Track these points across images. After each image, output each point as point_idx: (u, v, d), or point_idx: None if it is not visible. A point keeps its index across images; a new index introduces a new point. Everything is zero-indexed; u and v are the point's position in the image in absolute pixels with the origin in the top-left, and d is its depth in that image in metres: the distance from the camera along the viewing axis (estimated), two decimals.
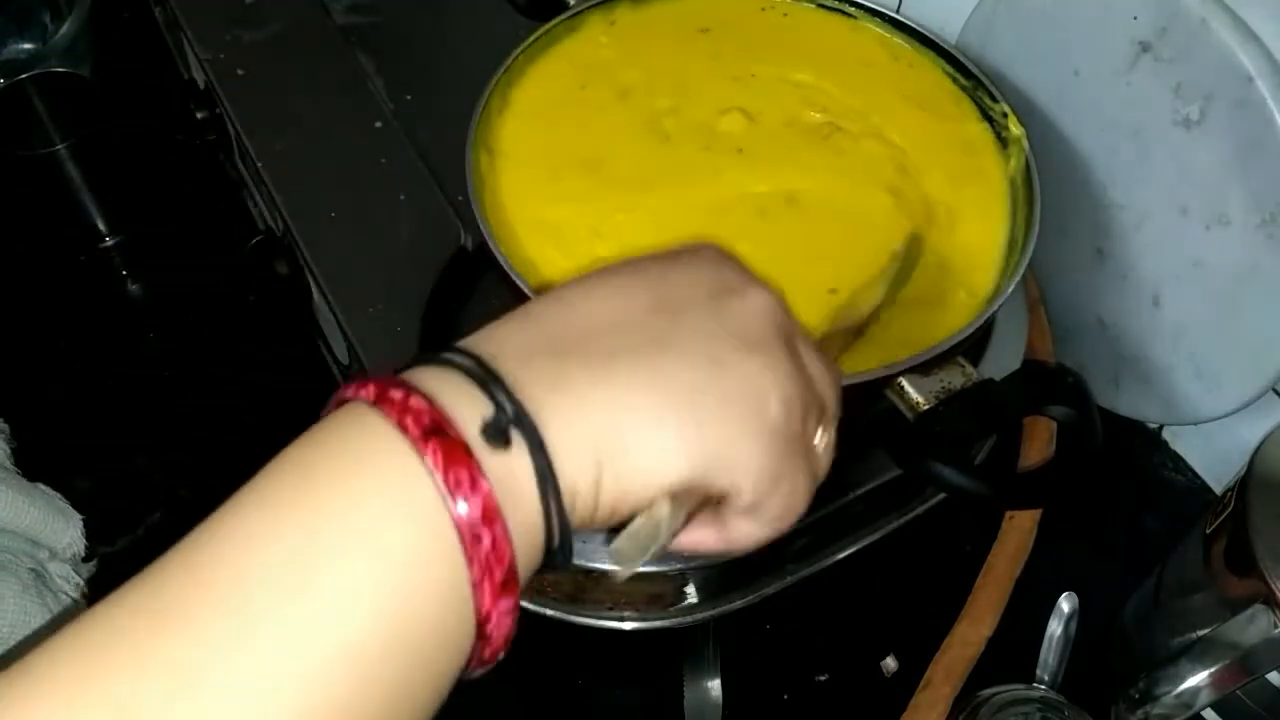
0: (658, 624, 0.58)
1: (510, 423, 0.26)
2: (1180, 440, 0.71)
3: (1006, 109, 0.61)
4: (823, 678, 0.62)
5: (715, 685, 0.60)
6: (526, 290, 0.50)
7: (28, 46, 0.92)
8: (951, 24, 0.70)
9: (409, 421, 0.26)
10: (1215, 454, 0.69)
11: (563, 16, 0.63)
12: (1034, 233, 0.55)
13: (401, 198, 0.65)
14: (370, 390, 0.27)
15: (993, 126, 0.62)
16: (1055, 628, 0.60)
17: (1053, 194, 0.59)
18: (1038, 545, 0.62)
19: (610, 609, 0.58)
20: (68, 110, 0.79)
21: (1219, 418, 0.62)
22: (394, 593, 0.25)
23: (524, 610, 0.57)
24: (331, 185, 0.66)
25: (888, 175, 0.60)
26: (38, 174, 0.77)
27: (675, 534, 0.30)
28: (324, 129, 0.69)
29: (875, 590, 0.65)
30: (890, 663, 0.62)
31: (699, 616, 0.58)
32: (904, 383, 0.49)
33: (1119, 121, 0.62)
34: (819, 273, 0.55)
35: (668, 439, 0.28)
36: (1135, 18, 0.58)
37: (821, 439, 0.33)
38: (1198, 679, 0.48)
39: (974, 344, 0.62)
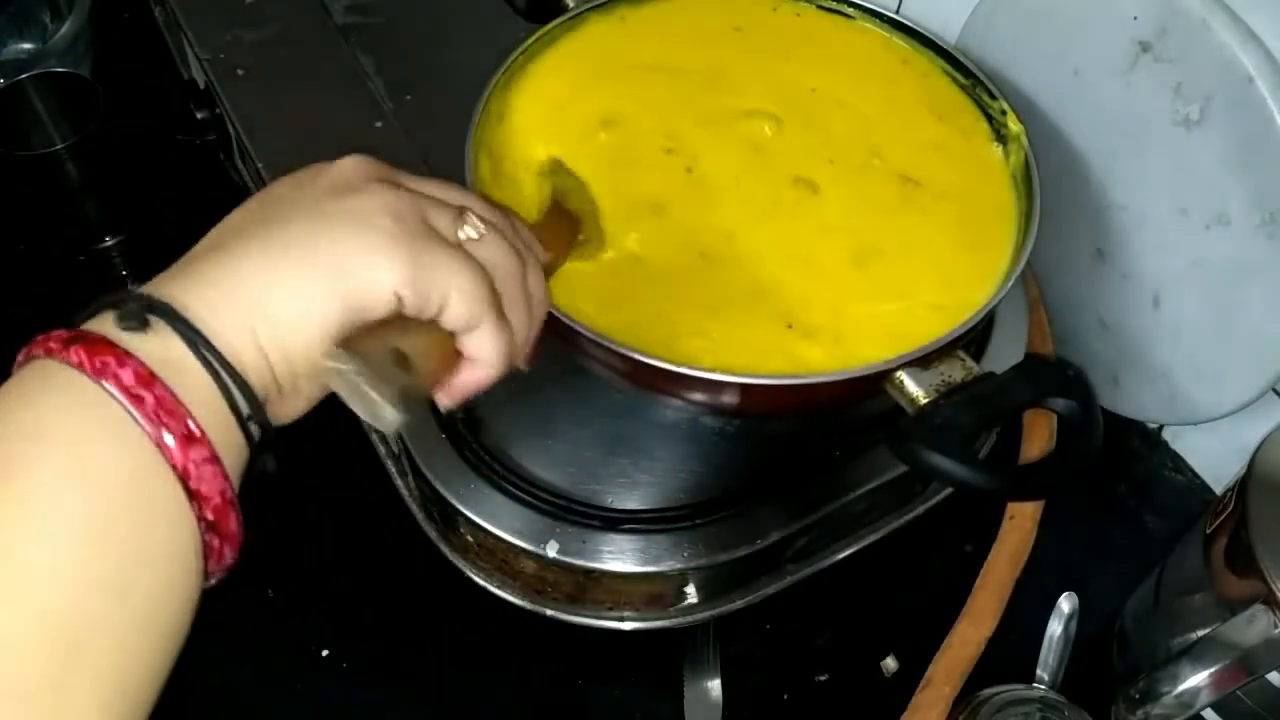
0: (658, 624, 0.58)
1: (144, 309, 0.30)
2: (1180, 440, 0.71)
3: (1005, 107, 0.61)
4: (823, 678, 0.62)
5: (715, 685, 0.60)
6: None
7: (28, 46, 0.92)
8: (951, 24, 0.70)
9: (51, 345, 0.29)
10: (1215, 454, 0.69)
11: (562, 18, 0.63)
12: (1033, 232, 0.55)
13: None
14: (23, 351, 0.30)
15: (992, 126, 0.62)
16: (1055, 628, 0.60)
17: (1053, 194, 0.59)
18: (1038, 545, 0.62)
19: (610, 609, 0.58)
20: (68, 110, 0.79)
21: (1219, 418, 0.62)
22: (85, 478, 0.27)
23: (524, 610, 0.57)
24: None
25: (886, 169, 0.60)
26: (38, 174, 0.77)
27: (399, 368, 0.33)
28: (324, 129, 0.69)
29: (875, 590, 0.65)
30: (890, 663, 0.62)
31: (699, 616, 0.58)
32: (904, 377, 0.49)
33: (1119, 121, 0.62)
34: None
35: (299, 290, 0.32)
36: (1135, 18, 0.58)
37: (468, 231, 0.36)
38: (1198, 679, 0.48)
39: (974, 344, 0.62)
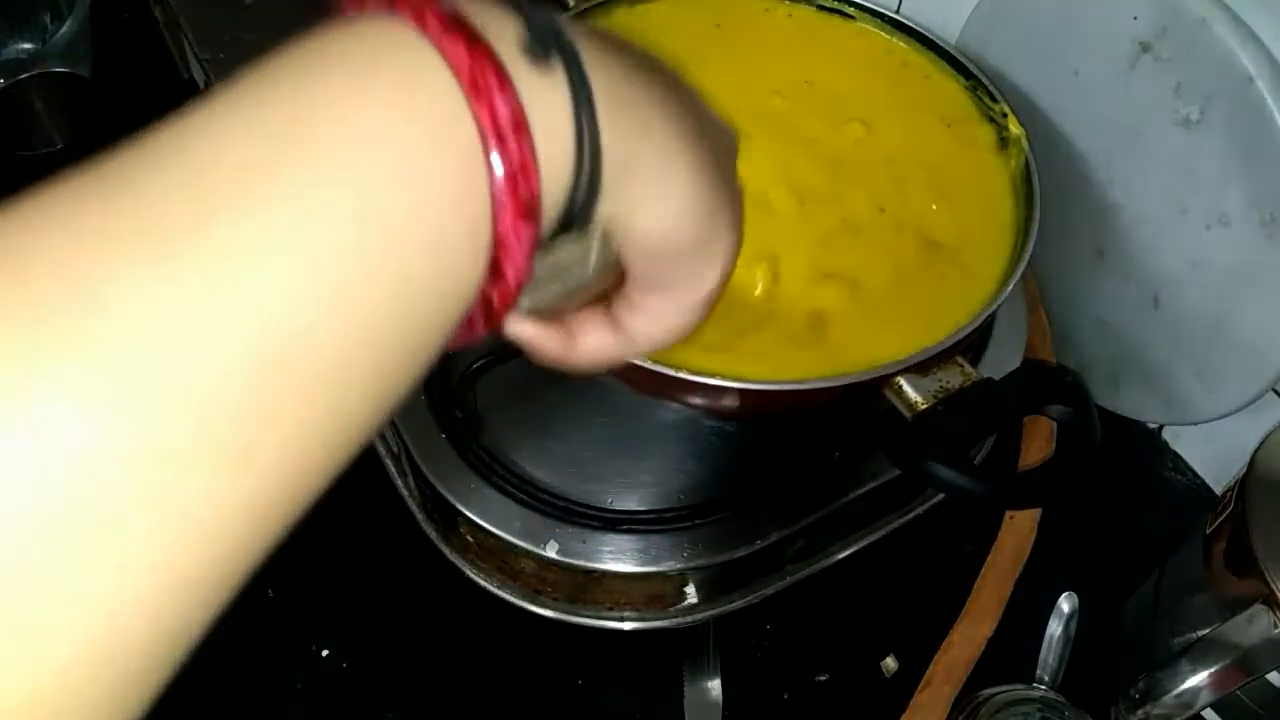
0: (658, 624, 0.58)
1: (550, 38, 0.24)
2: (1180, 440, 0.71)
3: (1006, 109, 0.61)
4: (823, 678, 0.62)
5: (715, 685, 0.60)
6: None
7: (28, 46, 0.92)
8: (951, 24, 0.70)
9: (429, 17, 0.23)
10: (1215, 454, 0.69)
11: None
12: (1034, 233, 0.55)
13: None
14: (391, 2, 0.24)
15: (993, 126, 0.62)
16: (1055, 628, 0.60)
17: (1053, 194, 0.59)
18: (1038, 545, 0.62)
19: (610, 609, 0.58)
20: (68, 110, 0.79)
21: (1219, 418, 0.62)
22: (398, 199, 0.22)
23: (524, 610, 0.57)
24: None
25: (886, 172, 0.60)
26: (38, 174, 0.77)
27: (586, 280, 0.29)
28: None
29: (875, 590, 0.65)
30: (890, 663, 0.62)
31: (699, 616, 0.58)
32: (902, 382, 0.49)
33: (1119, 121, 0.62)
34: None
35: (684, 186, 0.28)
36: (1135, 18, 0.58)
37: None
38: (1198, 679, 0.48)
39: (974, 344, 0.62)
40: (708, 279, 0.31)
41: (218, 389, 0.20)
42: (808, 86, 0.64)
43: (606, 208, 0.26)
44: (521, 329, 0.31)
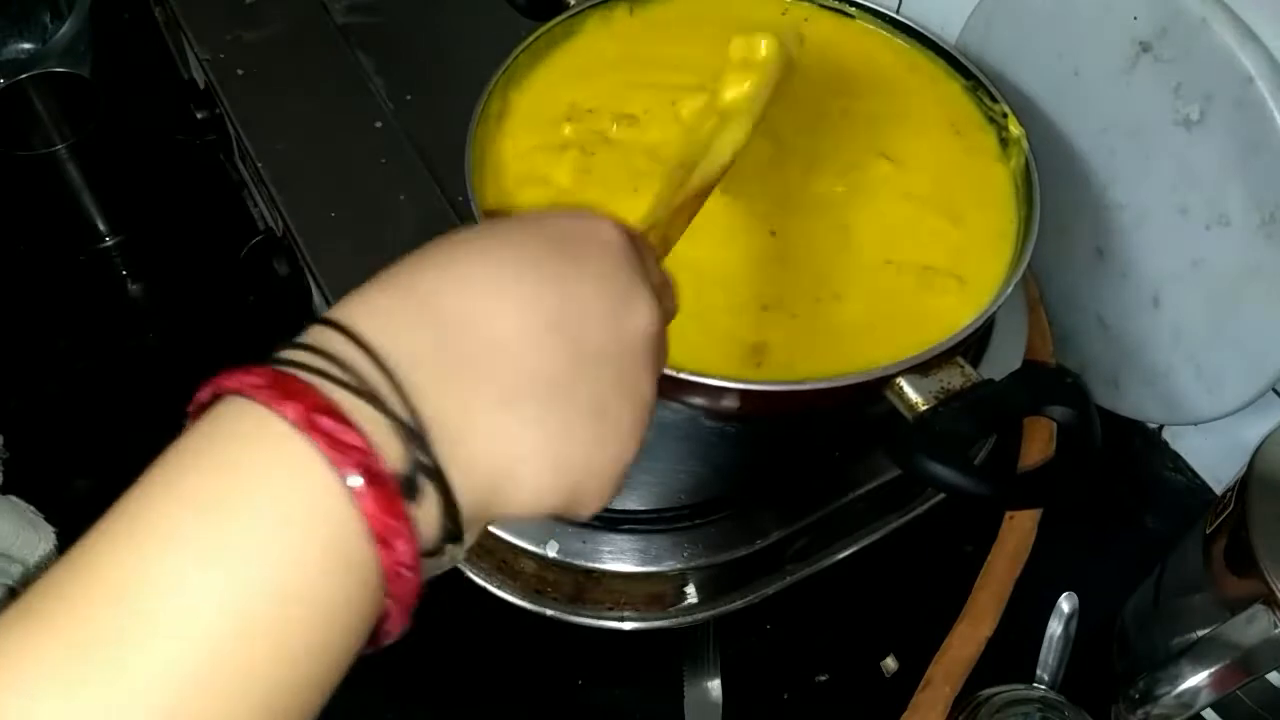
0: (658, 624, 0.58)
1: (420, 475, 0.27)
2: (1180, 440, 0.71)
3: (1006, 109, 0.61)
4: (823, 678, 0.62)
5: (715, 685, 0.60)
6: None
7: (28, 46, 0.92)
8: (951, 24, 0.70)
9: (349, 461, 0.26)
10: (1215, 454, 0.69)
11: (562, 16, 0.63)
12: (1033, 233, 0.55)
13: (401, 198, 0.65)
14: (254, 378, 0.27)
15: (993, 128, 0.62)
16: (1055, 628, 0.60)
17: (1053, 194, 0.59)
18: (1038, 545, 0.62)
19: (610, 609, 0.58)
20: (68, 110, 0.79)
21: (1219, 418, 0.62)
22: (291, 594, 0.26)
23: (524, 610, 0.57)
24: (331, 185, 0.66)
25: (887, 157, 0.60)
26: (38, 174, 0.77)
27: None
28: (324, 129, 0.70)
29: (875, 590, 0.65)
30: (890, 663, 0.62)
31: (699, 616, 0.58)
32: (903, 383, 0.49)
33: (1119, 121, 0.62)
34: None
35: (544, 484, 0.30)
36: (1135, 18, 0.58)
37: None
38: (1198, 679, 0.48)
39: (974, 344, 0.62)
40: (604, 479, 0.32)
41: None
42: (818, 87, 0.63)
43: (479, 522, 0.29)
44: None
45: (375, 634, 0.30)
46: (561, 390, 0.30)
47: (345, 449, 0.26)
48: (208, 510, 0.25)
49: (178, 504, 0.25)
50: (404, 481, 0.27)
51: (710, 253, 0.55)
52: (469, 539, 0.30)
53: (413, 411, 0.27)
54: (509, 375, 0.29)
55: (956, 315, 0.53)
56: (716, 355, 0.52)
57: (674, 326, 0.47)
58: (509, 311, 0.29)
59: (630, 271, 0.33)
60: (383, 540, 0.26)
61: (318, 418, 0.26)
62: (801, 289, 0.55)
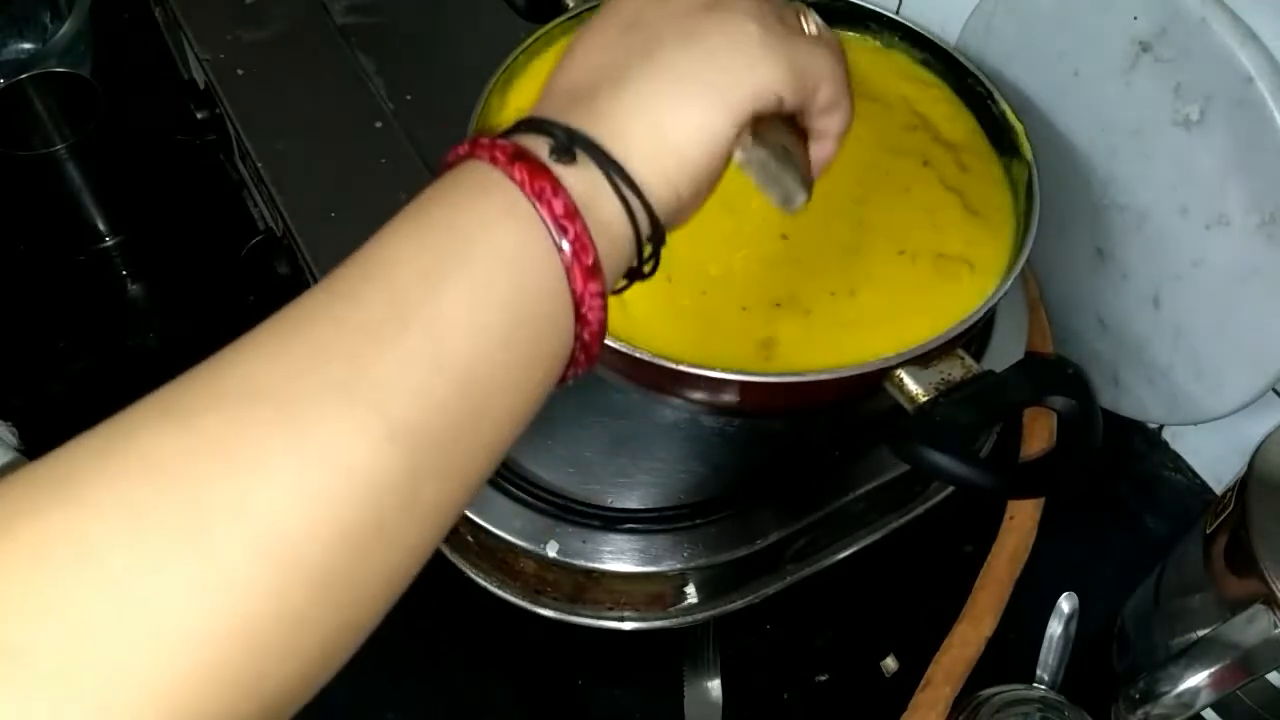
0: (658, 624, 0.58)
1: (569, 141, 0.32)
2: (1180, 440, 0.71)
3: (1006, 109, 0.61)
4: (823, 678, 0.62)
5: (715, 685, 0.60)
6: None
7: (28, 46, 0.92)
8: (951, 24, 0.70)
9: (497, 155, 0.32)
10: (1215, 454, 0.69)
11: (562, 18, 0.63)
12: (1033, 232, 0.55)
13: (402, 197, 0.65)
14: (465, 147, 0.33)
15: (994, 127, 0.62)
16: (1055, 628, 0.60)
17: (1052, 194, 0.59)
18: (1038, 545, 0.62)
19: (610, 609, 0.58)
20: (68, 110, 0.79)
21: (1219, 418, 0.62)
22: (509, 278, 0.31)
23: (524, 610, 0.57)
24: (331, 185, 0.67)
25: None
26: (38, 174, 0.77)
27: (790, 158, 0.37)
28: (324, 129, 0.70)
29: (875, 590, 0.65)
30: (890, 663, 0.62)
31: (699, 616, 0.58)
32: (903, 375, 0.49)
33: (1119, 121, 0.62)
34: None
35: (694, 113, 0.34)
36: (1135, 18, 0.58)
37: (811, 23, 0.39)
38: (1198, 679, 0.48)
39: (974, 345, 0.62)
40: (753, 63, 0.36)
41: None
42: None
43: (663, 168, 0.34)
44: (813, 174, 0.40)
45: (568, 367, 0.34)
46: (648, 54, 0.35)
47: (522, 159, 0.32)
48: (453, 241, 0.31)
49: (429, 231, 0.32)
50: (554, 151, 0.32)
51: (717, 256, 0.55)
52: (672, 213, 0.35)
53: (540, 121, 0.33)
54: (609, 75, 0.35)
55: (969, 302, 0.53)
56: (724, 351, 0.52)
57: (681, 326, 0.48)
58: (591, 51, 0.36)
59: None
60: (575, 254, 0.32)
61: (524, 166, 0.32)
62: (814, 285, 0.55)
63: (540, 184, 0.31)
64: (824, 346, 0.52)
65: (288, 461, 0.27)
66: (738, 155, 0.35)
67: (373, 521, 0.28)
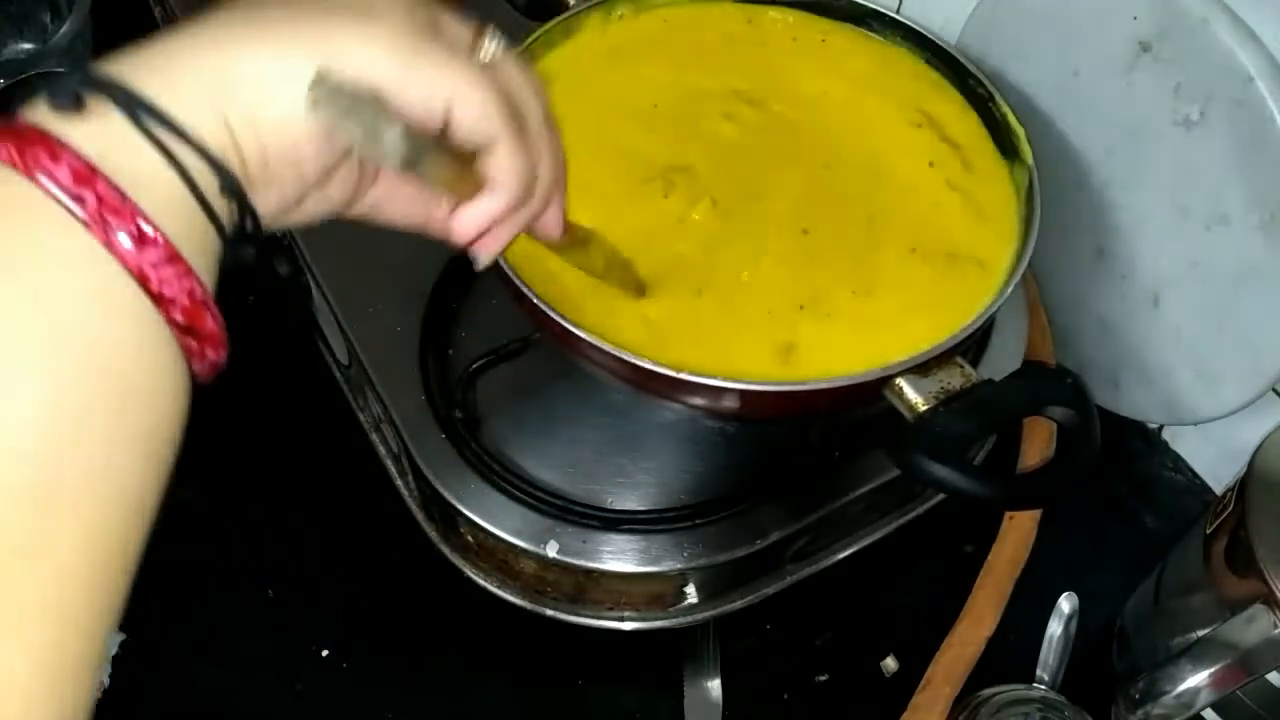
0: (658, 624, 0.58)
1: (78, 86, 0.26)
2: (1180, 440, 0.71)
3: (1006, 109, 0.61)
4: (823, 678, 0.62)
5: (715, 685, 0.60)
6: (524, 289, 0.50)
7: (28, 46, 0.91)
8: (951, 24, 0.70)
9: None
10: (1215, 454, 0.69)
11: (562, 17, 0.63)
12: (1034, 233, 0.55)
13: None
14: None
15: (994, 127, 0.62)
16: (1055, 628, 0.60)
17: (1053, 194, 0.59)
18: (1038, 545, 0.62)
19: (610, 609, 0.58)
20: None
21: (1219, 418, 0.62)
22: (35, 300, 0.24)
23: (524, 610, 0.57)
24: None
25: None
26: None
27: (376, 103, 0.29)
28: None
29: (875, 590, 0.65)
30: (890, 663, 0.62)
31: (699, 616, 0.58)
32: (903, 384, 0.49)
33: (1119, 121, 0.62)
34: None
35: (275, 59, 0.28)
36: (1135, 18, 0.58)
37: (489, 48, 0.34)
38: (1198, 679, 0.48)
39: (974, 345, 0.62)
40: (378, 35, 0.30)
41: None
42: (816, 92, 0.63)
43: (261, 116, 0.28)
44: (463, 225, 0.34)
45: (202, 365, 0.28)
46: (243, 7, 0.29)
47: (7, 131, 0.25)
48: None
49: None
50: (53, 100, 0.25)
51: (747, 259, 0.56)
52: (260, 170, 0.28)
53: (59, 71, 0.27)
54: (189, 19, 0.29)
55: (979, 301, 0.53)
56: (744, 356, 0.52)
57: (703, 335, 0.46)
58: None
59: None
60: (111, 223, 0.25)
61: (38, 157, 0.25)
62: (836, 284, 0.55)
63: (34, 151, 0.25)
64: (842, 350, 0.52)
65: None
66: (307, 96, 0.28)
67: None
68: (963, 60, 0.63)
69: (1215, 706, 0.53)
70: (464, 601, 0.59)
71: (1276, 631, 0.48)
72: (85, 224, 0.25)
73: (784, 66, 0.65)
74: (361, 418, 0.64)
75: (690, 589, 0.58)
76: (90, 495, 0.24)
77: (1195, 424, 0.66)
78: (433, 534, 0.60)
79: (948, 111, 0.63)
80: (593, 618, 0.58)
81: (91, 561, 0.24)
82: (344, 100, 0.28)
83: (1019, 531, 0.62)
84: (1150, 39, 0.58)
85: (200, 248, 0.27)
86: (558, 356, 0.54)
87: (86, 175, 0.25)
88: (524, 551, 0.55)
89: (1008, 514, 0.62)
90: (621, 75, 0.63)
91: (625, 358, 0.49)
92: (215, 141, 0.27)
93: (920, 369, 0.49)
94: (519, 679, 0.62)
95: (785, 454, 0.59)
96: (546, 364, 0.58)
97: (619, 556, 0.55)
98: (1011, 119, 0.60)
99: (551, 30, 0.63)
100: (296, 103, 0.28)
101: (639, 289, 0.53)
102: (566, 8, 0.65)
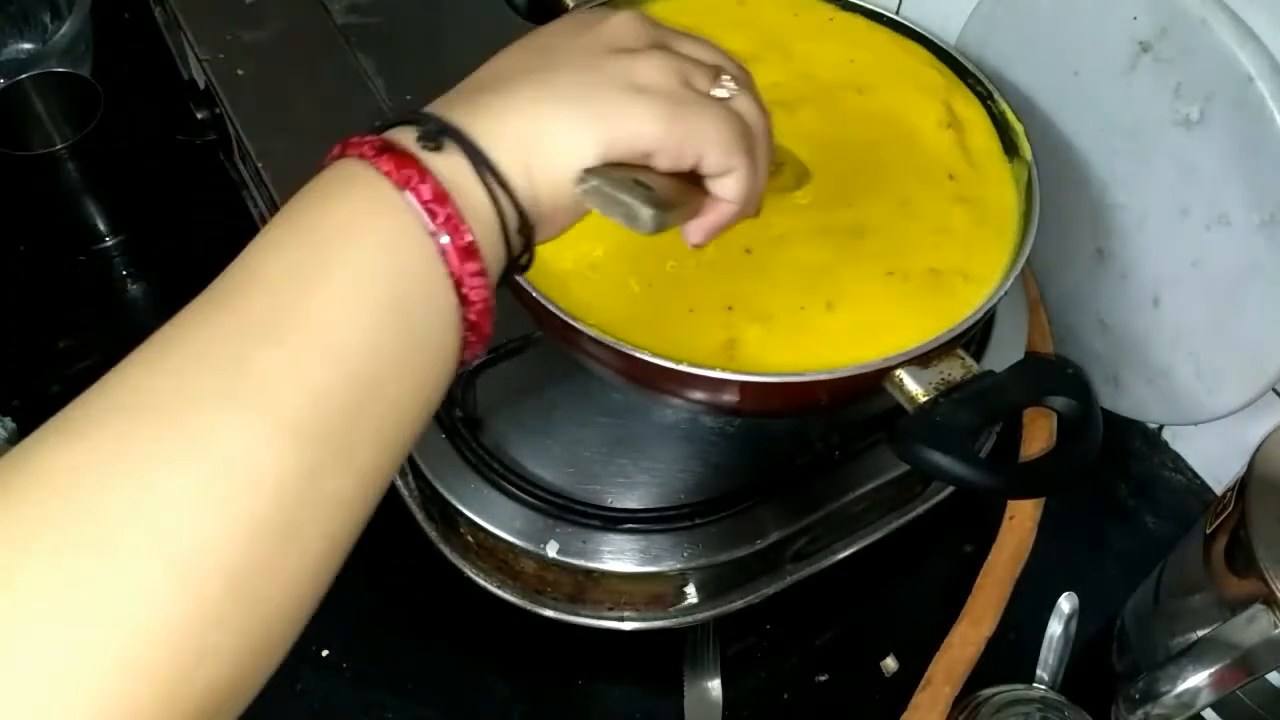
0: (658, 624, 0.58)
1: (438, 132, 0.34)
2: (1180, 440, 0.71)
3: (1006, 109, 0.61)
4: (823, 678, 0.62)
5: (715, 685, 0.60)
6: (525, 286, 0.50)
7: (28, 46, 0.92)
8: (951, 24, 0.70)
9: (365, 150, 0.33)
10: (1215, 454, 0.69)
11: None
12: (1033, 232, 0.55)
13: None
14: (338, 148, 0.35)
15: (993, 127, 0.62)
16: (1055, 628, 0.60)
17: (1052, 193, 0.59)
18: (1038, 545, 0.62)
19: (610, 609, 0.58)
20: (68, 110, 0.79)
21: (1219, 418, 0.62)
22: (385, 267, 0.32)
23: (524, 610, 0.57)
24: None
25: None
26: (38, 174, 0.77)
27: (637, 187, 0.36)
28: (324, 129, 0.69)
29: (875, 590, 0.65)
30: (890, 663, 0.62)
31: (699, 616, 0.58)
32: (903, 375, 0.49)
33: (1119, 121, 0.62)
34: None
35: (566, 130, 0.36)
36: (1135, 18, 0.58)
37: (725, 90, 0.40)
38: (1198, 679, 0.48)
39: (974, 344, 0.62)
40: (642, 127, 0.37)
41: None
42: (822, 80, 0.63)
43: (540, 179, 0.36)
44: (702, 231, 0.41)
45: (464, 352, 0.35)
46: (549, 69, 0.37)
47: (388, 150, 0.33)
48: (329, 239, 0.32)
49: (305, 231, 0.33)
50: (422, 138, 0.34)
51: (677, 254, 0.54)
52: (540, 215, 0.36)
53: (416, 114, 0.35)
54: (505, 80, 0.37)
55: (964, 309, 0.53)
56: (685, 345, 0.51)
57: (631, 313, 0.49)
58: (496, 62, 0.39)
59: (599, 14, 0.40)
60: (448, 231, 0.33)
61: (391, 158, 0.33)
62: (779, 297, 0.54)
63: (407, 172, 0.33)
64: (789, 349, 0.52)
65: (180, 468, 0.27)
66: (577, 185, 0.36)
67: (276, 519, 0.28)
68: (963, 60, 0.63)
69: (1215, 706, 0.53)
70: (464, 602, 0.59)
71: (1276, 631, 0.48)
72: (431, 233, 0.32)
73: (795, 51, 0.64)
74: None
75: (690, 589, 0.58)
76: (388, 417, 0.32)
77: (1195, 424, 0.66)
78: (433, 534, 0.60)
79: (966, 108, 0.62)
80: (593, 618, 0.58)
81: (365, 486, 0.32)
82: (606, 191, 0.36)
83: (1019, 531, 0.62)
84: (1150, 39, 0.58)
85: (495, 266, 0.35)
86: (558, 356, 0.54)
87: (441, 196, 0.33)
88: (524, 551, 0.55)
89: (1008, 514, 0.62)
90: None
91: (626, 351, 0.49)
92: (520, 189, 0.35)
93: (921, 360, 0.49)
94: (519, 679, 0.62)
95: (785, 454, 0.59)
96: (546, 363, 0.58)
97: (619, 556, 0.55)
98: (1010, 116, 0.60)
99: None
100: (574, 170, 0.36)
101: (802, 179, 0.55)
102: (566, 9, 0.65)
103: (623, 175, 0.36)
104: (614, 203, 0.36)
